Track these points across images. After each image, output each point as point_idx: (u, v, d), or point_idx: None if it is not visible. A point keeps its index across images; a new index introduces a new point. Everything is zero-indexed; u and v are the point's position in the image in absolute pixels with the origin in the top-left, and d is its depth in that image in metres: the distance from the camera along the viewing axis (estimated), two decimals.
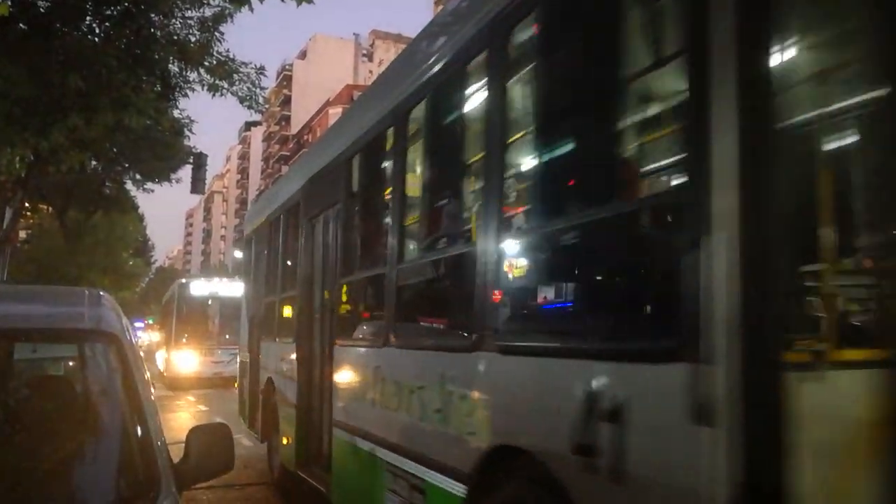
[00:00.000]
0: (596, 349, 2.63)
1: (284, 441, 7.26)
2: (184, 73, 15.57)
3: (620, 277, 2.94)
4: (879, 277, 2.15)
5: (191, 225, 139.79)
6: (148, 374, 2.79)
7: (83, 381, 2.85)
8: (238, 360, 10.88)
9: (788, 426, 1.91)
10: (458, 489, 3.47)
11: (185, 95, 16.47)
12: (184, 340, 22.13)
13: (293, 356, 6.89)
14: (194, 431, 2.59)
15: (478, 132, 3.68)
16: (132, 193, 31.30)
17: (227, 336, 20.70)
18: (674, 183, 2.62)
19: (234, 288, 20.63)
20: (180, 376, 21.69)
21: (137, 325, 41.88)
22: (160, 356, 26.83)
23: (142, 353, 2.81)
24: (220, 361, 21.08)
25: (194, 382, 21.15)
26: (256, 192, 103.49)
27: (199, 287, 23.27)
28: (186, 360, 21.77)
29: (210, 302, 22.73)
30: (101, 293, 2.98)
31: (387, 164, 5.05)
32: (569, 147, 3.21)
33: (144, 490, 2.28)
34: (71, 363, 3.06)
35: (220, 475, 2.68)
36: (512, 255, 3.39)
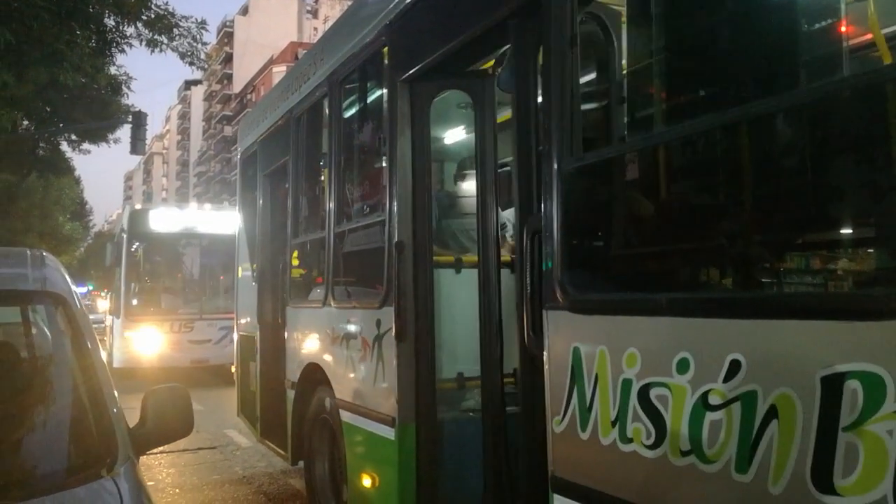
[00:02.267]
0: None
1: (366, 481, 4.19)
2: (121, 27, 15.00)
3: None
4: None
5: (130, 188, 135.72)
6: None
7: (29, 345, 2.76)
8: (235, 336, 7.55)
9: None
10: None
11: (123, 51, 15.91)
12: (142, 309, 13.93)
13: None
14: (150, 394, 2.52)
15: None
16: (68, 155, 30.10)
17: (214, 300, 14.45)
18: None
19: (220, 222, 13.91)
20: (139, 366, 13.30)
21: (80, 290, 40.44)
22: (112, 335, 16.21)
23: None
24: (202, 341, 13.56)
25: (161, 376, 12.30)
26: (199, 153, 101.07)
27: (164, 219, 14.35)
28: (147, 340, 13.56)
29: (183, 245, 14.80)
30: (45, 253, 2.87)
31: (325, 129, 5.08)
32: None
33: (100, 456, 2.22)
34: (14, 327, 2.93)
35: (179, 439, 2.63)
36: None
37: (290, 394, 5.56)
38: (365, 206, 4.46)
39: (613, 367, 2.27)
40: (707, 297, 2.14)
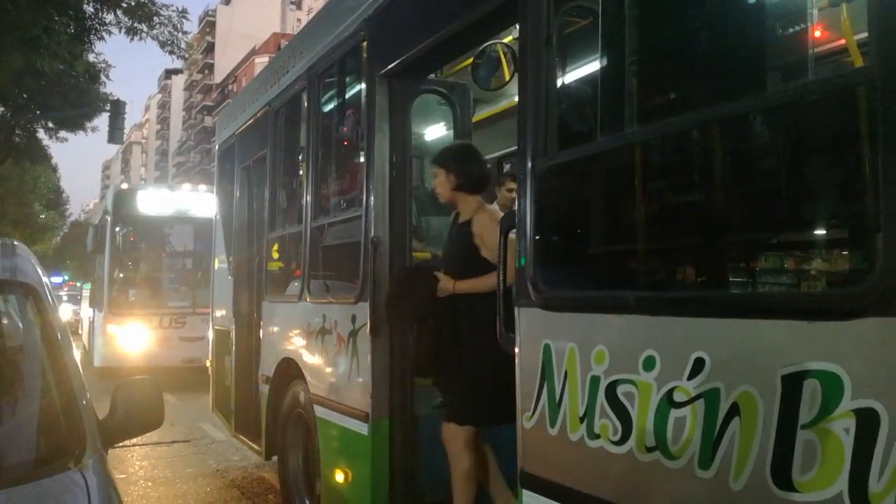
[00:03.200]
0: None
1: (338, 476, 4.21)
2: (99, 14, 14.83)
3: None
4: None
5: (108, 177, 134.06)
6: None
7: None
8: (210, 331, 7.39)
9: None
10: None
11: (102, 38, 15.72)
12: (127, 300, 12.68)
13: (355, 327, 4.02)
14: (120, 387, 2.49)
15: None
16: (44, 142, 29.68)
17: (208, 292, 11.11)
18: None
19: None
20: (123, 366, 11.58)
21: (55, 279, 39.88)
22: (93, 330, 14.27)
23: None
24: (195, 338, 11.87)
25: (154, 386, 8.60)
26: (178, 143, 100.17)
27: (154, 201, 12.91)
28: (133, 336, 12.32)
29: (175, 230, 13.37)
30: (16, 242, 2.85)
31: (303, 122, 5.08)
32: None
33: (68, 448, 2.19)
34: None
35: (149, 431, 2.61)
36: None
37: (265, 389, 5.55)
38: (342, 202, 4.46)
39: (582, 364, 2.29)
40: (673, 296, 2.18)
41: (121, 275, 12.79)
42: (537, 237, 2.51)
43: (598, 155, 2.51)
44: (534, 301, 2.51)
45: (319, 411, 4.46)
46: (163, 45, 15.26)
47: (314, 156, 4.70)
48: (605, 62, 2.45)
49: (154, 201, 12.92)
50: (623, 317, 2.18)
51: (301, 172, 5.01)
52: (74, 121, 24.45)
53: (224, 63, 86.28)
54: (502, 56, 4.13)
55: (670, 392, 2.00)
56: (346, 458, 4.12)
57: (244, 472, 6.92)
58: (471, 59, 4.02)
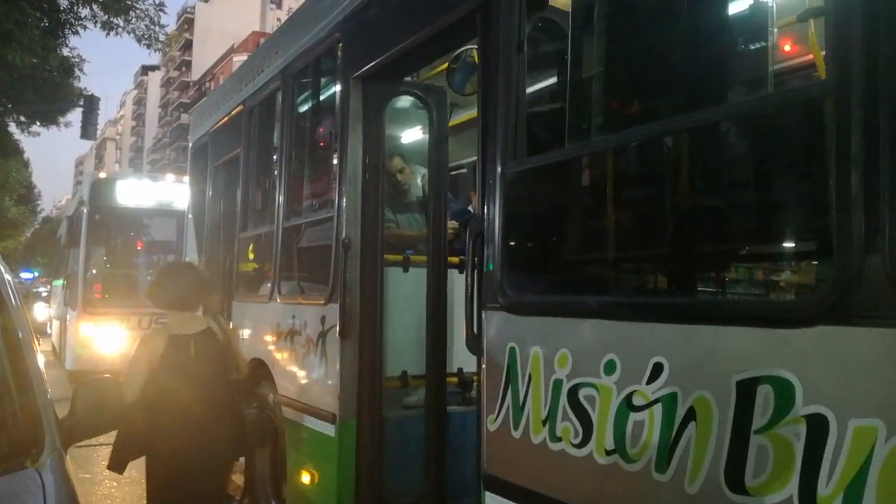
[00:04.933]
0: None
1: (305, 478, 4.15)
2: (74, 7, 14.62)
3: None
4: None
5: (81, 173, 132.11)
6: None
7: None
8: None
9: None
10: None
11: (76, 33, 15.47)
12: (103, 298, 11.67)
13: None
14: (81, 386, 2.47)
15: None
16: (16, 136, 29.21)
17: None
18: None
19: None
20: (98, 369, 9.31)
21: (25, 275, 39.06)
22: (65, 330, 13.32)
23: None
24: None
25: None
26: (153, 140, 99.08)
27: (134, 191, 12.07)
28: (109, 337, 11.30)
29: (156, 223, 12.53)
30: None
31: (277, 122, 5.08)
32: None
33: (25, 446, 2.15)
34: None
35: (110, 431, 2.62)
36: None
37: None
38: (315, 203, 4.46)
39: (546, 368, 2.32)
40: (633, 302, 2.21)
41: (97, 270, 11.94)
42: (503, 242, 2.54)
43: (565, 161, 2.55)
44: (500, 304, 2.54)
45: (287, 412, 4.45)
46: (139, 39, 15.07)
47: (287, 156, 4.69)
48: (573, 70, 2.49)
49: (134, 192, 12.04)
50: (585, 321, 2.21)
51: (274, 173, 4.99)
52: (47, 115, 24.09)
53: (202, 60, 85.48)
54: (477, 61, 4.15)
55: (630, 396, 2.03)
56: (313, 459, 4.11)
57: None
58: (446, 64, 4.04)
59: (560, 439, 2.27)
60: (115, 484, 6.42)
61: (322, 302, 4.01)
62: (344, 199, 3.84)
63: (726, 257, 2.12)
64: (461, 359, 3.94)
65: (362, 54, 3.82)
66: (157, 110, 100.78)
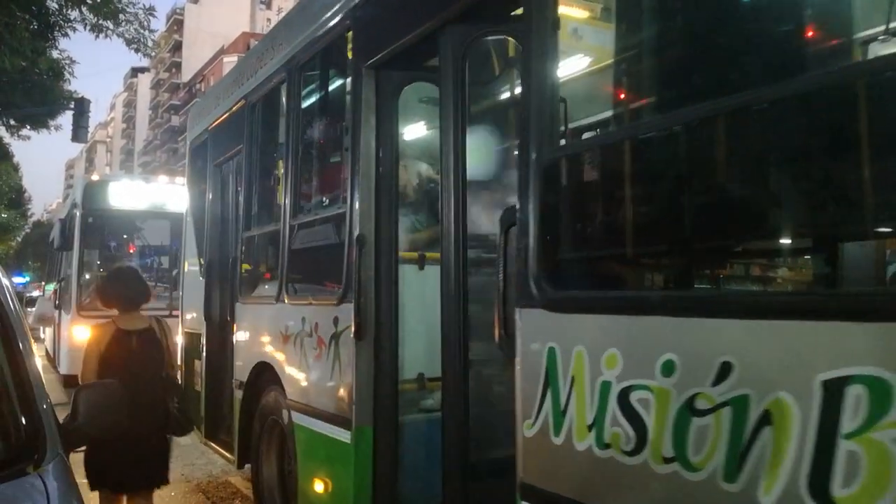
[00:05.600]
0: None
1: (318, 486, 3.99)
2: (64, 10, 14.41)
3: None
4: None
5: (71, 176, 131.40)
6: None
7: None
8: (179, 334, 6.89)
9: None
10: None
11: (66, 35, 15.29)
12: (98, 302, 9.99)
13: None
14: (82, 390, 2.47)
15: None
16: (6, 140, 28.90)
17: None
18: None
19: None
20: None
21: (18, 279, 38.74)
22: (59, 333, 13.17)
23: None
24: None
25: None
26: (144, 143, 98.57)
27: (127, 193, 11.97)
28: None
29: (150, 225, 12.40)
30: None
31: (282, 117, 4.88)
32: None
33: (27, 452, 2.13)
34: None
35: (112, 436, 2.61)
36: None
37: (238, 394, 5.34)
38: (324, 199, 4.28)
39: (592, 369, 2.15)
40: (696, 296, 2.05)
41: (90, 274, 11.76)
42: (541, 234, 2.37)
43: (605, 147, 2.38)
44: (537, 302, 2.37)
45: (297, 418, 4.27)
46: (129, 42, 14.91)
47: (294, 151, 4.51)
48: (616, 53, 2.32)
49: (127, 194, 11.90)
50: (639, 318, 2.04)
51: (280, 169, 4.82)
52: (38, 118, 23.83)
53: (192, 62, 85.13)
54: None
55: (692, 399, 1.86)
56: (327, 467, 3.93)
57: (209, 477, 6.77)
58: None
59: (608, 446, 2.10)
60: None
61: (335, 302, 3.84)
62: (357, 195, 3.67)
63: (806, 245, 1.95)
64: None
65: (375, 42, 3.64)
66: (147, 112, 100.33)
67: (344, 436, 3.69)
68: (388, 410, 3.66)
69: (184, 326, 7.08)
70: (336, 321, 3.82)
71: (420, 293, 3.82)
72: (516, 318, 2.47)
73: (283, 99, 4.77)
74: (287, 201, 4.50)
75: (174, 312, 10.67)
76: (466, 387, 3.46)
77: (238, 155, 5.69)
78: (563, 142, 2.34)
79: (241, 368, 5.29)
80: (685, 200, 2.19)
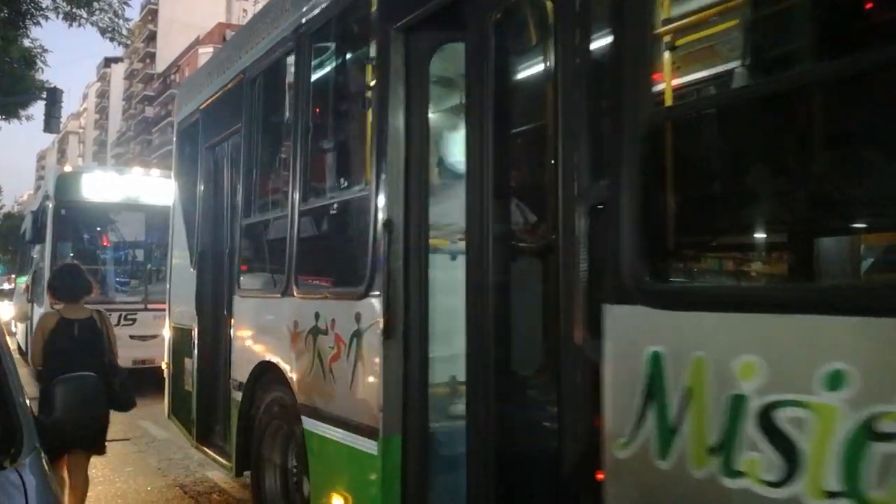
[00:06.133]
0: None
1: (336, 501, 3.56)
2: None
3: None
4: None
5: (43, 167, 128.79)
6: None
7: None
8: (167, 329, 6.65)
9: None
10: None
11: (38, 23, 14.77)
12: None
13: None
14: (59, 384, 2.50)
15: None
16: None
17: (161, 286, 10.72)
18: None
19: (170, 192, 10.50)
20: None
21: None
22: (31, 328, 11.95)
23: None
24: (147, 336, 11.01)
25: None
26: (117, 134, 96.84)
27: (101, 185, 11.69)
28: None
29: (124, 218, 12.11)
30: None
31: (288, 90, 4.44)
32: None
33: (3, 447, 2.14)
34: None
35: (92, 428, 2.81)
36: None
37: (237, 396, 4.88)
38: (342, 180, 3.84)
39: (718, 379, 1.75)
40: (873, 288, 1.65)
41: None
42: (640, 213, 1.96)
43: (717, 109, 1.97)
44: (635, 296, 1.96)
45: (310, 425, 3.83)
46: (103, 31, 14.46)
47: (303, 129, 4.06)
48: None
49: (101, 186, 11.63)
50: (789, 318, 1.63)
51: (286, 149, 4.36)
52: (8, 108, 23.11)
53: (166, 52, 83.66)
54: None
55: (870, 419, 1.47)
56: (348, 480, 3.50)
57: (186, 471, 6.63)
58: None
59: (743, 475, 1.70)
60: (90, 484, 5.96)
61: (356, 296, 3.40)
62: (384, 174, 3.23)
63: None
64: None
65: (404, 1, 3.21)
66: (120, 103, 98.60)
67: (369, 446, 3.27)
68: (418, 418, 3.24)
69: (171, 321, 6.58)
70: (358, 317, 3.39)
71: (451, 286, 3.39)
72: (604, 316, 2.06)
73: (291, 71, 4.31)
74: (295, 185, 4.05)
75: (149, 306, 11.06)
76: (495, 393, 3.03)
77: (235, 135, 5.22)
78: (669, 102, 1.92)
79: (240, 368, 4.83)
80: (845, 163, 1.78)
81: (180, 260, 6.36)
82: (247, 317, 4.83)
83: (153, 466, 6.82)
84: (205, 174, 5.83)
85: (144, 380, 10.73)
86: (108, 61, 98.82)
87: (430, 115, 3.32)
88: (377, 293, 3.24)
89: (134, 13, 79.75)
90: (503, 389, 2.91)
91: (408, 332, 3.20)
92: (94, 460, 6.72)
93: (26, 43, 17.01)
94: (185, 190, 6.40)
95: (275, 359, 4.31)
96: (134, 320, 11.21)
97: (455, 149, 3.51)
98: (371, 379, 3.29)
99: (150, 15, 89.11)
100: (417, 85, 3.25)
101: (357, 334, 3.39)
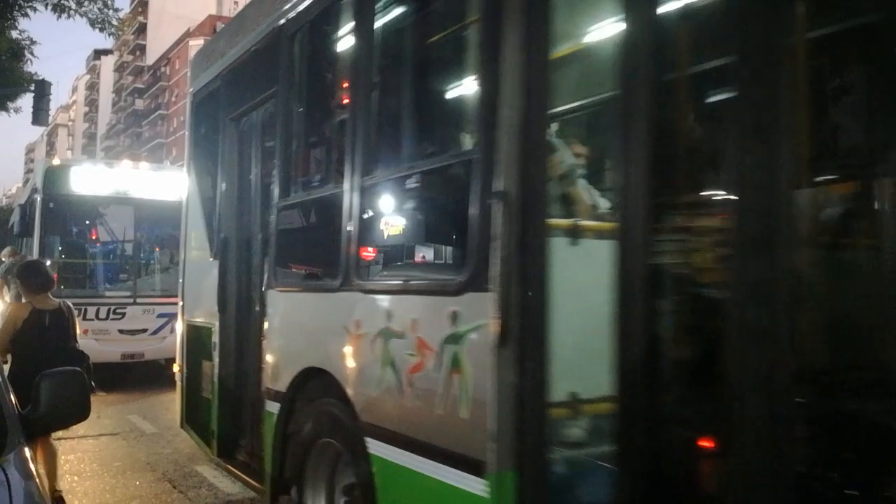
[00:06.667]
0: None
1: None
2: None
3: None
4: None
5: (32, 160, 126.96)
6: None
7: None
8: (179, 326, 5.97)
9: None
10: None
11: (26, 15, 14.20)
12: (59, 287, 10.24)
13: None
14: (44, 378, 2.48)
15: None
16: None
17: (150, 280, 11.87)
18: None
19: (160, 185, 11.48)
20: None
21: None
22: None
23: None
24: (136, 331, 11.03)
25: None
26: (107, 127, 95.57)
27: (90, 178, 11.49)
28: None
29: (113, 211, 11.89)
30: None
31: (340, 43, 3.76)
32: None
33: None
34: None
35: (74, 424, 2.66)
36: None
37: (272, 406, 4.14)
38: (425, 145, 3.10)
39: None
40: None
41: (52, 260, 11.05)
42: None
43: None
44: None
45: (378, 448, 3.10)
46: (93, 23, 13.89)
47: (365, 87, 3.31)
48: None
49: (90, 179, 11.40)
50: None
51: (341, 113, 3.62)
52: None
53: (156, 45, 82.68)
54: None
55: None
56: None
57: (175, 466, 6.46)
58: None
59: None
60: (76, 478, 6.05)
61: (452, 290, 2.67)
62: (498, 132, 2.50)
63: None
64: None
65: None
66: (110, 96, 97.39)
67: (473, 485, 2.54)
68: (537, 448, 2.51)
69: (186, 318, 5.83)
70: (455, 317, 2.65)
71: (571, 278, 2.67)
72: None
73: (345, 19, 3.57)
74: (357, 155, 3.30)
75: (138, 300, 11.10)
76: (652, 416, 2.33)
77: (267, 103, 4.48)
78: None
79: (278, 374, 4.10)
80: None
81: (197, 249, 5.61)
82: (286, 314, 4.09)
83: (142, 461, 6.68)
84: (228, 150, 5.07)
85: (133, 374, 11.00)
86: (98, 53, 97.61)
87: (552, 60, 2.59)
88: (485, 287, 2.51)
89: (124, 4, 78.78)
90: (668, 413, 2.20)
91: (523, 338, 2.46)
92: (83, 454, 6.81)
93: (14, 35, 16.45)
94: (202, 169, 5.65)
95: (326, 365, 3.58)
96: (123, 314, 11.03)
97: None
98: (475, 397, 2.55)
99: (141, 6, 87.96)
100: (539, 19, 2.51)
101: (453, 339, 2.65)
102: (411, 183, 3.02)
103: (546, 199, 2.52)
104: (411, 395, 2.90)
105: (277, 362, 4.15)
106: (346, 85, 3.71)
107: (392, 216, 3.19)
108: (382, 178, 3.26)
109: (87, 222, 11.97)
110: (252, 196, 4.85)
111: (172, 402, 9.71)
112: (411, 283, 3.05)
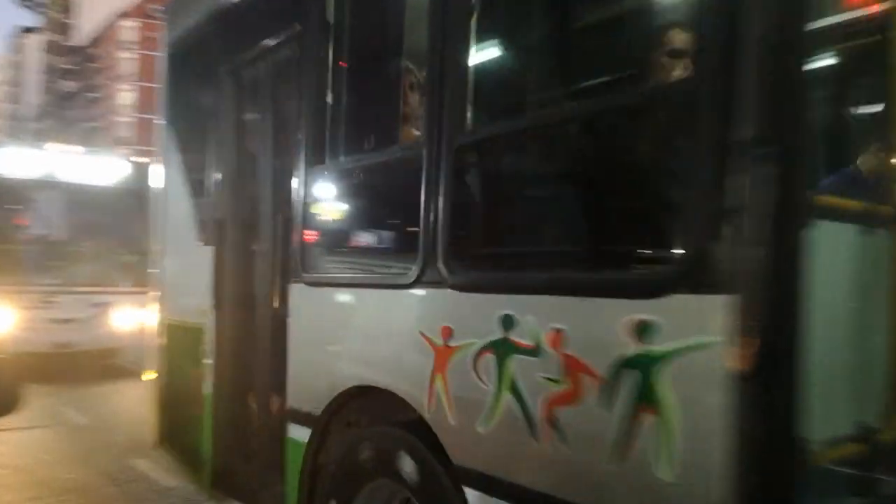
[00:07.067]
0: None
1: None
2: None
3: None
4: None
5: None
6: None
7: None
8: (157, 328, 4.93)
9: None
10: None
11: None
12: None
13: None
14: None
15: None
16: None
17: (81, 268, 11.08)
18: None
19: (94, 169, 11.10)
20: None
21: None
22: None
23: None
24: (66, 320, 10.53)
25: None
26: (36, 109, 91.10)
27: (17, 161, 11.11)
28: None
29: (43, 196, 11.35)
30: None
31: None
32: None
33: None
34: None
35: (2, 416, 2.75)
36: None
37: (299, 432, 3.23)
38: (601, 69, 2.21)
39: None
40: None
41: None
42: None
43: None
44: None
45: None
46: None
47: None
48: None
49: (17, 162, 10.98)
50: None
51: (412, 50, 2.73)
52: None
53: (87, 25, 78.97)
54: None
55: None
56: None
57: (111, 459, 6.25)
58: None
59: None
60: (8, 471, 5.84)
61: (640, 290, 1.83)
62: (735, 50, 1.66)
63: None
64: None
65: None
66: (36, 76, 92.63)
67: None
68: None
69: (163, 315, 4.81)
70: (644, 329, 1.80)
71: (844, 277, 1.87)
72: None
73: None
74: (448, 101, 2.41)
75: (71, 288, 10.59)
76: None
77: (286, 47, 3.54)
78: None
79: (308, 391, 3.19)
80: None
81: (179, 234, 4.60)
82: (322, 315, 3.16)
83: (75, 454, 6.45)
84: (225, 111, 4.10)
85: (64, 365, 10.46)
86: (24, 31, 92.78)
87: None
88: (708, 287, 1.67)
89: None
90: None
91: (787, 363, 1.64)
92: (15, 447, 6.52)
93: None
94: (185, 138, 4.65)
95: (390, 383, 2.69)
96: (53, 303, 10.54)
97: None
98: (687, 449, 1.72)
99: None
100: None
101: (640, 362, 1.81)
102: (558, 129, 2.13)
103: (801, 160, 1.68)
104: (555, 437, 2.04)
105: (306, 376, 3.24)
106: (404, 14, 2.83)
107: (513, 182, 2.31)
108: (487, 134, 2.38)
109: (15, 207, 11.28)
110: (261, 166, 3.90)
111: (107, 395, 9.49)
112: (548, 277, 2.17)
